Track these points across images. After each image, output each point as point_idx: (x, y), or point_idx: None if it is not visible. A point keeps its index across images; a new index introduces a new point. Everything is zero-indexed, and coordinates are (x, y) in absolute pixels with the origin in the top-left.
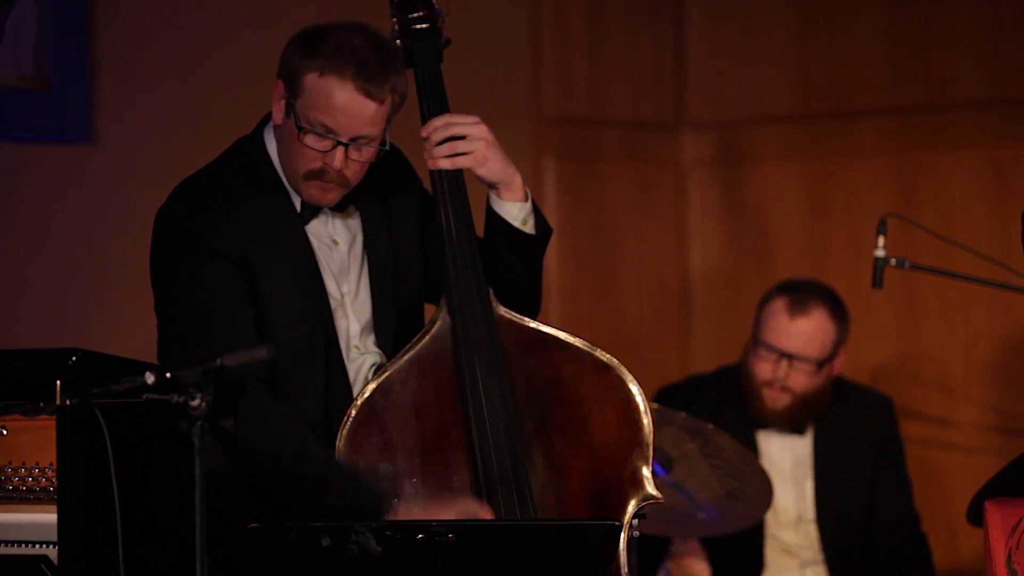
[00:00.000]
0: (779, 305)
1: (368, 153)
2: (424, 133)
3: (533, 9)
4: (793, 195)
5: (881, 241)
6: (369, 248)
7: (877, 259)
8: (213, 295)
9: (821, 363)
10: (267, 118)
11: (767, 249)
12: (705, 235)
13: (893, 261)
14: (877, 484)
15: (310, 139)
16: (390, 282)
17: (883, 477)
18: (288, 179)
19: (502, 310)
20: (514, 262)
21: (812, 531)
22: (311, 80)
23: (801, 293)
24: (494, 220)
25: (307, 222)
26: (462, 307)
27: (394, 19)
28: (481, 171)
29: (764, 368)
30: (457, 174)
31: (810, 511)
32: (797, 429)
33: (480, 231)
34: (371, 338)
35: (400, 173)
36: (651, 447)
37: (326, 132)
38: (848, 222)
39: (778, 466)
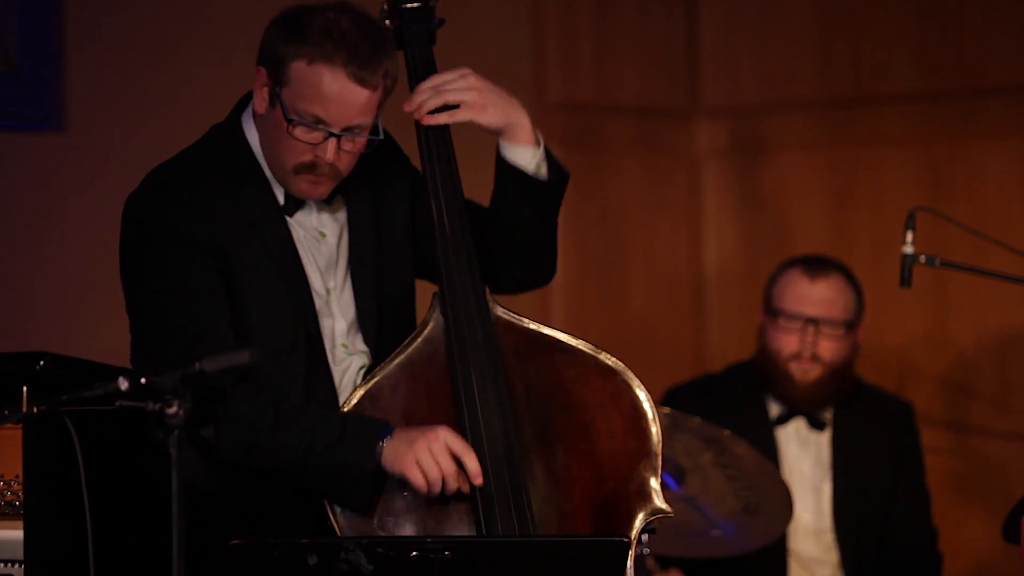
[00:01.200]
0: (796, 272)
1: (360, 143)
2: (409, 108)
3: None
4: (815, 187)
5: (910, 237)
6: (353, 241)
7: (905, 256)
8: (189, 289)
9: (848, 325)
10: (243, 103)
11: (786, 245)
12: (720, 230)
13: (923, 258)
14: (896, 493)
15: (299, 131)
16: (371, 277)
17: (903, 486)
18: (274, 172)
19: (500, 310)
20: (529, 214)
21: (830, 541)
22: (299, 69)
23: (815, 261)
24: (505, 169)
25: (291, 213)
26: (456, 307)
27: None
28: (483, 119)
29: (790, 341)
30: (448, 157)
31: (827, 519)
32: (818, 423)
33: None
34: (359, 337)
35: (392, 160)
36: (660, 457)
37: (316, 123)
38: (874, 216)
39: (796, 468)
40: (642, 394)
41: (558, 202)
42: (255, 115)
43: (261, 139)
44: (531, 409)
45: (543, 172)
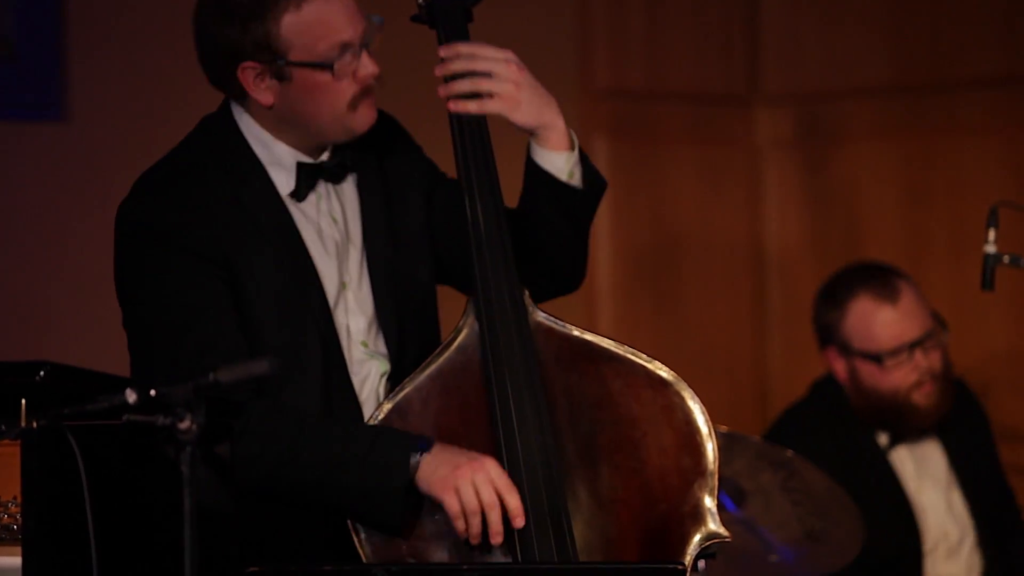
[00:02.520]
0: (870, 302)
1: (375, 37)
2: (442, 54)
3: None
4: (887, 180)
5: (992, 235)
6: (367, 227)
7: (987, 256)
8: (194, 301)
9: (940, 324)
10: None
11: (856, 243)
12: (783, 227)
13: (1006, 258)
14: (995, 471)
15: (340, 67)
16: (387, 272)
17: (995, 463)
18: (327, 131)
19: (540, 315)
20: (559, 223)
21: (971, 545)
22: (290, 23)
23: (875, 278)
24: (535, 173)
25: (303, 197)
26: (492, 312)
27: None
28: (515, 116)
29: (905, 375)
30: (483, 147)
31: (968, 524)
32: (924, 433)
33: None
34: (380, 338)
35: (396, 139)
36: (716, 476)
37: (345, 48)
38: (952, 212)
39: (923, 487)
40: (696, 407)
41: (592, 212)
42: (261, 109)
43: (287, 120)
44: (574, 424)
45: (577, 179)
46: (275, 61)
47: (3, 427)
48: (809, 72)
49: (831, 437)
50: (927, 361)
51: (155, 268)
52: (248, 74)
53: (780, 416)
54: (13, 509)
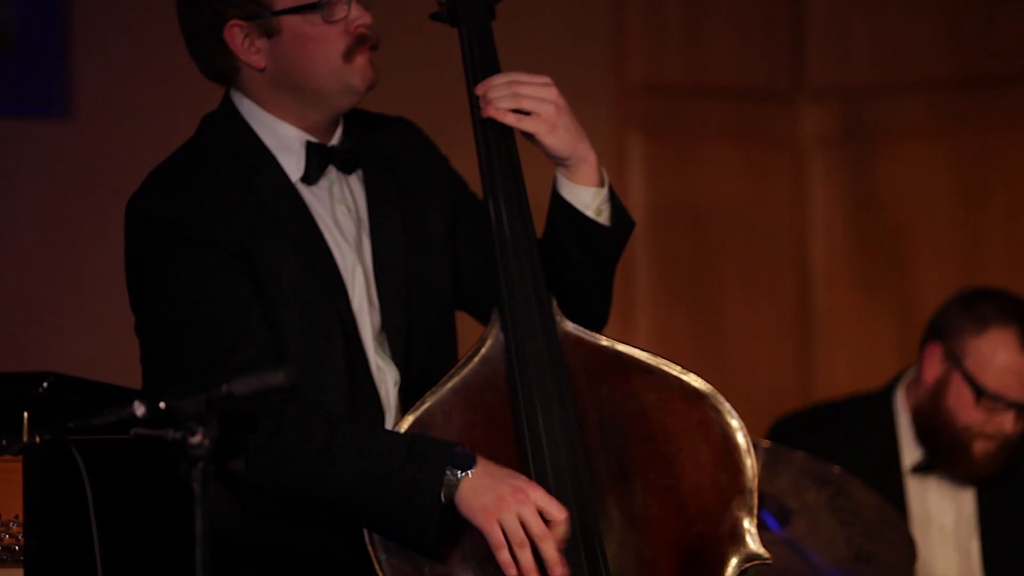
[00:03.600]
0: (1012, 342)
1: None
2: (480, 91)
3: None
4: (940, 180)
5: None
6: (375, 222)
7: None
8: (216, 295)
9: None
10: (228, 88)
11: (907, 247)
12: (830, 229)
13: None
14: None
15: (327, 11)
16: (395, 273)
17: None
18: (328, 90)
19: (569, 325)
20: (583, 261)
21: None
22: None
23: None
24: (561, 207)
25: (315, 180)
26: (518, 323)
27: None
28: (549, 140)
29: (985, 422)
30: (510, 154)
31: None
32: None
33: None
34: (385, 341)
35: (417, 144)
36: (755, 494)
37: None
38: (1009, 213)
39: (937, 521)
40: (734, 422)
41: (618, 253)
42: (255, 77)
43: (286, 82)
44: (605, 439)
45: (604, 217)
46: (260, 15)
47: (4, 442)
48: (857, 65)
49: (850, 439)
50: (1011, 426)
51: (171, 262)
52: (236, 34)
53: (805, 408)
54: (15, 529)
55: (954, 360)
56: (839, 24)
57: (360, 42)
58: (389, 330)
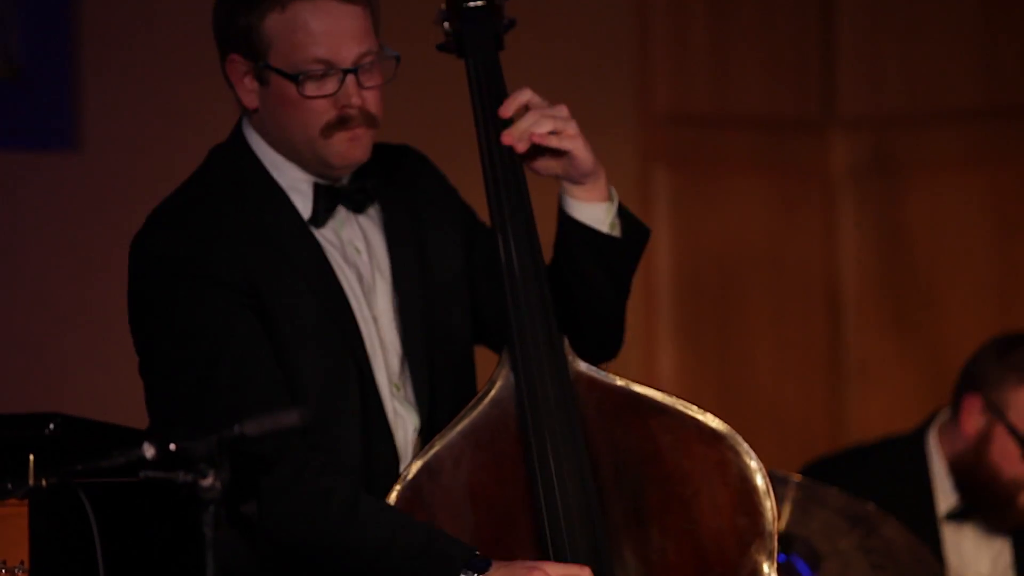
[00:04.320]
0: None
1: (379, 73)
2: (506, 114)
3: None
4: (976, 213)
5: None
6: (395, 264)
7: None
8: (222, 329)
9: None
10: (242, 118)
11: (940, 283)
12: (862, 264)
13: None
14: None
15: (310, 87)
16: (418, 313)
17: None
18: (302, 155)
19: (581, 365)
20: (600, 279)
21: None
22: (274, 22)
23: None
24: (574, 229)
25: (322, 223)
26: (528, 363)
27: None
28: (583, 154)
29: None
30: (518, 184)
31: None
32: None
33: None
34: (409, 384)
35: (427, 177)
36: (775, 537)
37: (325, 68)
38: None
39: (972, 569)
40: (753, 463)
41: (635, 264)
42: (252, 117)
43: (271, 133)
44: (620, 483)
45: (618, 230)
46: (256, 59)
47: (10, 485)
48: (890, 94)
49: (883, 484)
50: None
51: (177, 300)
52: (234, 69)
53: (838, 452)
54: (21, 574)
55: (996, 413)
56: (871, 51)
57: (346, 123)
58: (412, 374)
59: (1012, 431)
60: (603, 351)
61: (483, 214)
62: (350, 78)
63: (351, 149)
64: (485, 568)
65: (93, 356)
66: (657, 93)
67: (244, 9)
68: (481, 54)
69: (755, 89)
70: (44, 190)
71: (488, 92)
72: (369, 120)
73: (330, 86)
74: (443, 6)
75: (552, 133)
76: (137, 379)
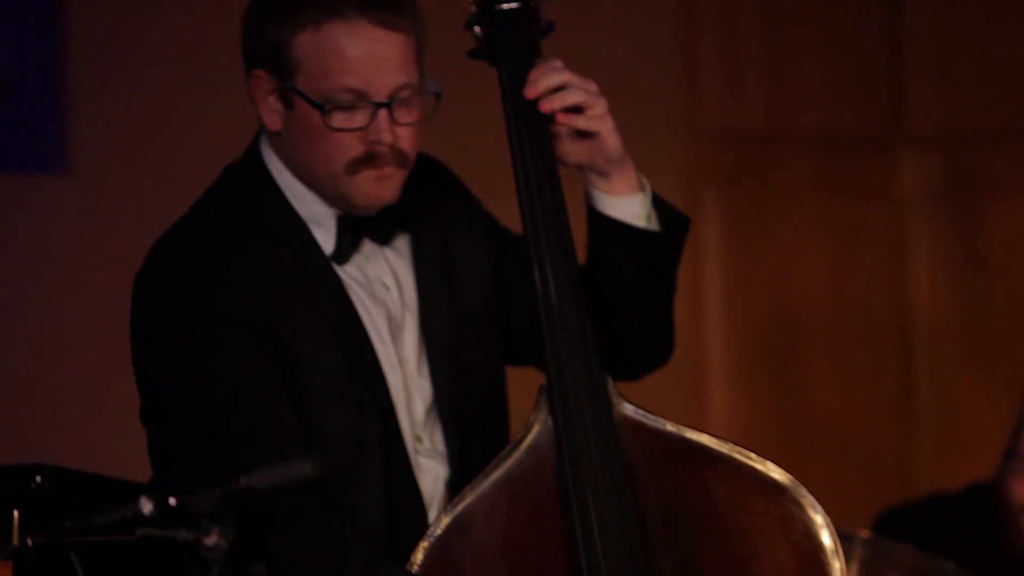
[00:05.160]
0: None
1: (417, 110)
2: (530, 93)
3: None
4: None
5: None
6: (424, 298)
7: None
8: (235, 373)
9: None
10: (260, 134)
11: (1019, 313)
12: (933, 294)
13: None
14: None
15: (338, 118)
16: (448, 353)
17: None
18: (325, 191)
19: (627, 408)
20: (643, 277)
21: None
22: (306, 42)
23: None
24: (607, 227)
25: (345, 260)
26: (568, 406)
27: None
28: (611, 138)
29: None
30: (555, 205)
31: None
32: None
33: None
34: (438, 430)
35: (452, 193)
36: None
37: (356, 99)
38: None
39: None
40: (819, 518)
41: (678, 256)
42: (271, 137)
43: (291, 161)
44: (669, 538)
45: (655, 222)
46: (283, 78)
47: None
48: (962, 111)
49: (964, 533)
50: None
51: (186, 342)
52: (259, 84)
53: (915, 500)
54: None
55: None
56: (942, 63)
57: (373, 160)
58: (441, 421)
59: None
60: (652, 358)
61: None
62: (383, 112)
63: (378, 189)
64: None
65: (85, 400)
66: (706, 108)
67: (275, 22)
68: (515, 61)
69: (814, 104)
70: (30, 216)
71: (522, 101)
72: (400, 159)
73: (360, 119)
74: (473, 8)
75: (578, 111)
76: (134, 425)
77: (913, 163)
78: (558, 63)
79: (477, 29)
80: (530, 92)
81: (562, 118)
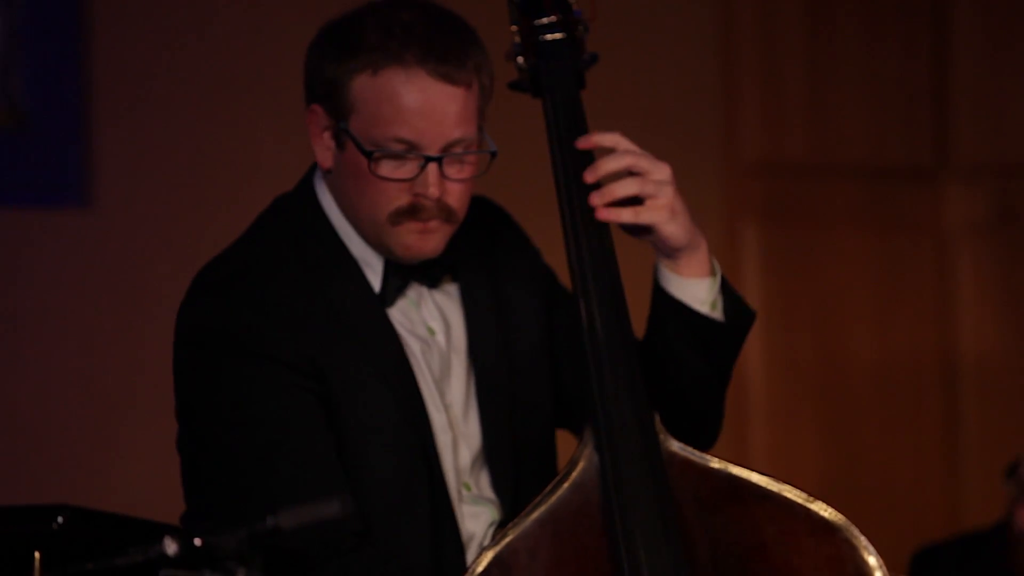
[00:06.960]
0: None
1: (470, 166)
2: (592, 178)
3: (728, 12)
4: None
5: None
6: (474, 341)
7: None
8: (279, 413)
9: None
10: (315, 166)
11: None
12: (980, 332)
13: None
14: None
15: (386, 167)
16: (504, 396)
17: None
18: (367, 235)
19: (675, 445)
20: (698, 364)
21: None
22: (363, 85)
23: None
24: (669, 306)
25: (391, 302)
26: (615, 442)
27: (514, 28)
28: (669, 229)
29: None
30: (603, 244)
31: None
32: None
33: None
34: (485, 476)
35: (507, 236)
36: None
37: (406, 150)
38: None
39: None
40: (872, 559)
41: (737, 350)
42: (325, 175)
43: (339, 199)
44: None
45: (719, 311)
46: (337, 118)
47: None
48: (1012, 140)
49: (993, 568)
50: None
51: (231, 380)
52: (315, 119)
53: (951, 538)
54: None
55: None
56: (990, 92)
57: (417, 210)
58: (490, 466)
59: None
60: (696, 443)
61: (562, 272)
62: (432, 166)
63: (420, 242)
64: None
65: (107, 438)
66: (746, 139)
67: (334, 60)
68: (560, 92)
69: (858, 134)
70: (52, 251)
71: (568, 135)
72: (447, 214)
73: (408, 170)
74: (517, 39)
75: (636, 200)
76: (158, 464)
77: (959, 194)
78: (620, 139)
79: (520, 60)
80: (589, 177)
81: (603, 214)
